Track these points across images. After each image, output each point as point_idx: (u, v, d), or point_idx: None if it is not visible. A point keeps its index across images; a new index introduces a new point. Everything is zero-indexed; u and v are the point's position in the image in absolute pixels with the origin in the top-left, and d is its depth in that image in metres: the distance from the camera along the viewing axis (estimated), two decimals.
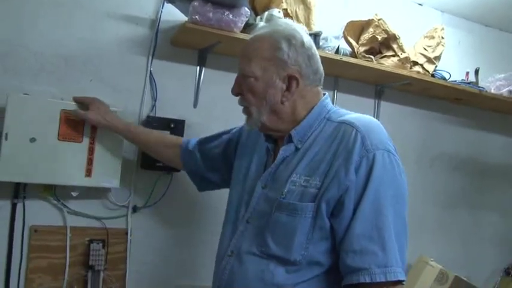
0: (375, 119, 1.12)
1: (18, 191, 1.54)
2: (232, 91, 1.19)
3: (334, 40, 1.80)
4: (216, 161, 1.45)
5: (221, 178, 1.47)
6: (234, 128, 1.45)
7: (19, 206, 1.54)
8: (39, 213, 1.57)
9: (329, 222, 1.04)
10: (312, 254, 1.04)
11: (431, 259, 2.11)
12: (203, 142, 1.49)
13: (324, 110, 1.16)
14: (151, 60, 1.73)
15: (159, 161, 1.64)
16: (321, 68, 1.17)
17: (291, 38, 1.11)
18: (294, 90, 1.12)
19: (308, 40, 1.14)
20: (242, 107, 1.19)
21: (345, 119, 1.11)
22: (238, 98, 1.19)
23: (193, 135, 1.73)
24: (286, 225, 1.06)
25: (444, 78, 2.04)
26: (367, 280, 0.96)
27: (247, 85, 1.14)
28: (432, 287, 2.02)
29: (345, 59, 1.79)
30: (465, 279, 2.04)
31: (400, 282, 0.99)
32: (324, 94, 1.20)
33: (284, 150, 1.14)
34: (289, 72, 1.10)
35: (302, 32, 1.14)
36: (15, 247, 1.54)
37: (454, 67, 2.29)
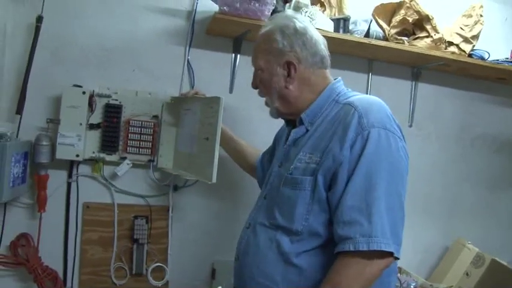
0: (378, 100, 1.16)
1: (72, 172, 1.72)
2: (251, 85, 1.33)
3: (364, 24, 1.81)
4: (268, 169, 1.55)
5: None
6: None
7: (73, 185, 1.73)
8: (91, 191, 1.75)
9: (326, 195, 1.10)
10: (312, 225, 1.11)
11: (469, 242, 2.09)
12: (263, 154, 1.61)
13: (333, 93, 1.23)
14: (189, 49, 1.84)
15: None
16: (322, 50, 1.24)
17: (284, 29, 1.23)
18: (294, 75, 1.22)
19: (302, 27, 1.23)
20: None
21: (348, 100, 1.17)
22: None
23: (229, 119, 1.83)
24: (290, 198, 1.15)
25: (483, 58, 1.98)
26: (351, 248, 1.01)
27: (259, 77, 1.29)
28: (468, 270, 2.02)
29: (374, 42, 1.80)
30: (504, 263, 2.00)
31: (389, 255, 1.02)
32: (336, 78, 1.27)
33: (295, 132, 1.25)
34: (287, 58, 1.21)
35: (297, 21, 1.24)
36: (71, 221, 1.73)
37: (500, 45, 2.22)
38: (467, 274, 2.02)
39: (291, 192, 1.16)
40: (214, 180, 1.45)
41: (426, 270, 2.21)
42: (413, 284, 1.93)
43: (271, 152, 1.55)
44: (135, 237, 1.75)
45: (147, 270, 1.78)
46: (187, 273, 1.87)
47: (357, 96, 1.18)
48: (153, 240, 1.79)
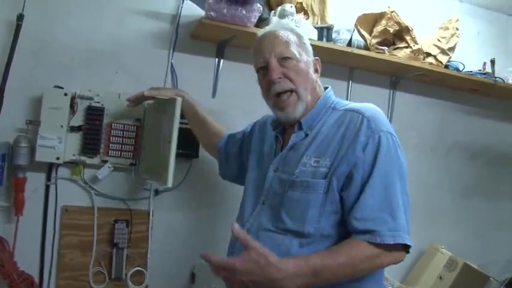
0: (377, 107, 1.24)
1: (51, 174, 1.68)
2: (272, 76, 1.22)
3: (346, 33, 1.85)
4: (233, 156, 1.58)
5: (235, 172, 1.60)
6: (251, 125, 1.57)
7: (52, 188, 1.69)
8: (70, 194, 1.72)
9: (339, 195, 1.15)
10: (323, 227, 1.15)
11: (442, 246, 2.16)
12: (230, 138, 1.61)
13: (328, 100, 1.30)
14: (172, 52, 1.84)
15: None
16: None
17: (305, 37, 1.33)
18: (319, 72, 1.32)
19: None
20: (285, 93, 1.24)
21: (350, 107, 1.25)
22: (276, 84, 1.23)
23: None
24: (300, 201, 1.18)
25: (458, 69, 2.06)
26: (378, 241, 1.07)
27: (290, 66, 1.24)
28: (442, 273, 2.08)
29: (356, 51, 1.84)
30: (474, 266, 2.08)
31: (405, 249, 1.11)
32: (326, 88, 1.34)
33: (295, 137, 1.27)
34: (314, 57, 1.32)
35: None
36: (48, 225, 1.69)
37: (473, 57, 2.30)
38: (440, 277, 2.08)
39: (301, 196, 1.18)
40: (169, 184, 1.46)
41: (401, 274, 2.26)
42: (390, 287, 1.98)
43: (240, 141, 1.56)
44: (115, 241, 1.73)
45: (126, 274, 1.75)
46: (167, 278, 1.85)
47: (356, 104, 1.26)
48: (133, 244, 1.77)
